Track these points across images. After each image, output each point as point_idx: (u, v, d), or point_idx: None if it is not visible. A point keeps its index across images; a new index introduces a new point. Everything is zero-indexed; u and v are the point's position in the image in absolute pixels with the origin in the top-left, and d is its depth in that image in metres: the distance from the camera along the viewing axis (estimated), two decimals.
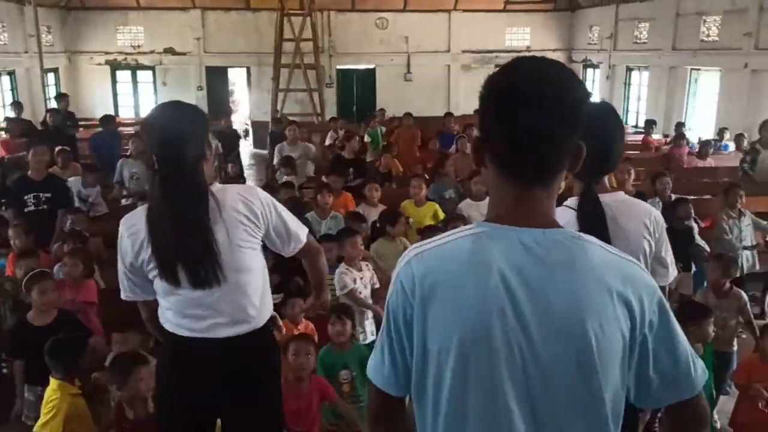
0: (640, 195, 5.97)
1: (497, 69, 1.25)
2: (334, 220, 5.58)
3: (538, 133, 1.18)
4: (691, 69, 13.64)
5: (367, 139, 10.22)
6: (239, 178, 8.73)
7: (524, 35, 18.69)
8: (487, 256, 1.19)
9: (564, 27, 18.74)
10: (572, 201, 2.33)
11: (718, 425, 4.25)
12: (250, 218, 2.29)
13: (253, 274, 2.33)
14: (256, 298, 2.33)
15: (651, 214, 2.37)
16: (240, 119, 19.01)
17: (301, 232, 2.49)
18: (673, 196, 6.55)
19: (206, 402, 2.32)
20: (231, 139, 10.34)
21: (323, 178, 7.03)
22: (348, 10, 17.56)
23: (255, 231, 2.31)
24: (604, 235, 2.17)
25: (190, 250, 2.19)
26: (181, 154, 2.19)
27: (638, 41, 15.54)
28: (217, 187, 2.31)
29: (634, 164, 6.26)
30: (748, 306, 4.57)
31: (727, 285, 4.57)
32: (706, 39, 13.06)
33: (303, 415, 3.40)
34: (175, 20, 17.22)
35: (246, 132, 18.10)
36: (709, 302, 4.38)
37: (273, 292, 4.52)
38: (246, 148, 16.18)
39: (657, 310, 1.23)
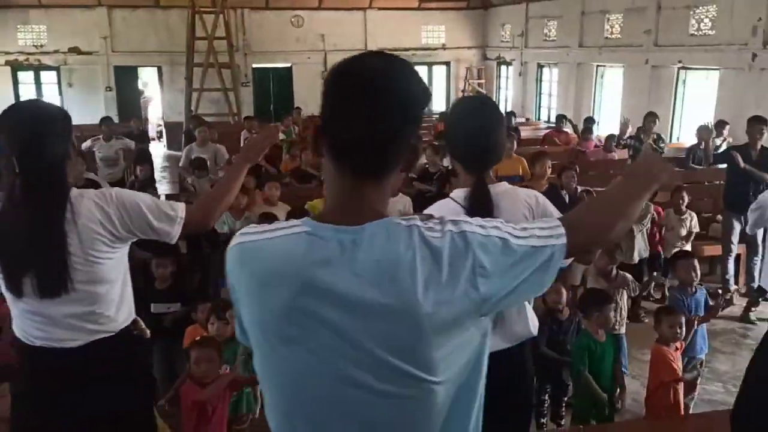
0: (553, 187, 6.19)
1: (344, 59, 1.24)
2: (247, 221, 5.49)
3: (371, 128, 1.16)
4: (597, 65, 14.19)
5: (281, 137, 10.12)
6: (150, 182, 8.44)
7: (439, 33, 18.96)
8: (299, 258, 1.16)
9: (478, 25, 19.12)
10: (457, 193, 2.38)
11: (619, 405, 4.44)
12: (106, 227, 2.15)
13: (109, 285, 2.21)
14: (111, 306, 2.21)
15: (533, 196, 2.42)
16: (153, 120, 18.45)
17: (171, 216, 2.27)
18: (579, 188, 6.81)
19: (65, 414, 2.20)
20: (140, 140, 10.01)
21: None
22: (262, 8, 17.33)
23: (113, 240, 2.17)
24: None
25: (40, 260, 2.06)
26: (44, 155, 2.06)
27: (548, 39, 16.04)
28: (74, 192, 2.15)
29: (549, 157, 6.45)
30: (632, 287, 4.81)
31: (614, 270, 4.77)
32: (609, 36, 13.61)
33: (210, 419, 3.33)
34: (80, 18, 16.53)
35: (159, 133, 17.60)
36: (599, 286, 4.58)
37: (192, 293, 4.42)
38: (159, 150, 15.73)
39: (483, 256, 1.19)
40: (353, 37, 18.08)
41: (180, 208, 2.32)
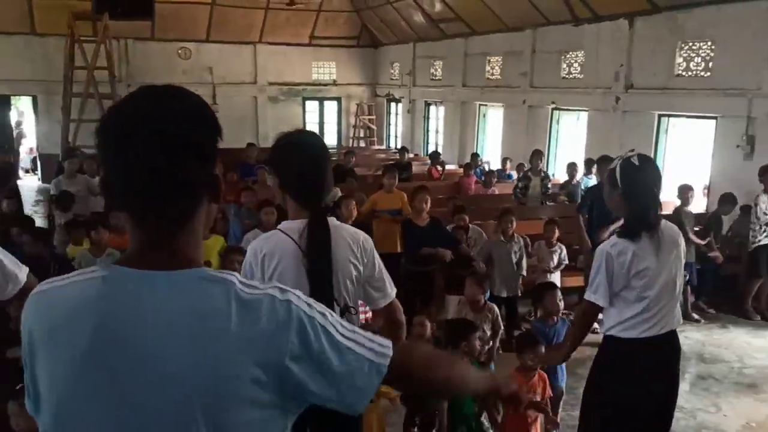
0: (435, 220, 6.35)
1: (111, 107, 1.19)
2: (111, 257, 5.26)
3: (148, 171, 1.10)
4: (480, 104, 14.82)
5: None
6: (17, 215, 7.92)
7: (330, 69, 19.19)
8: (87, 307, 1.08)
9: (368, 62, 19.52)
10: (286, 225, 2.42)
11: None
12: None
13: None
14: None
15: (358, 239, 2.49)
16: (26, 150, 17.45)
17: (19, 272, 2.28)
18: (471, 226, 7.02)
19: None
20: (3, 173, 9.42)
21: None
22: (147, 38, 16.90)
23: None
24: (328, 259, 2.28)
25: None
26: None
27: (434, 78, 16.60)
28: None
29: (429, 192, 6.61)
30: (500, 319, 4.97)
31: (482, 300, 4.93)
32: (490, 77, 14.27)
33: None
34: None
35: (34, 165, 16.64)
36: (466, 316, 4.71)
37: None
38: (33, 183, 14.86)
39: (297, 340, 1.13)
40: (242, 71, 17.98)
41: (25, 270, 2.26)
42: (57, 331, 1.09)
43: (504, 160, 12.18)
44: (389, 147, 18.51)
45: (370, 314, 5.14)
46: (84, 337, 1.06)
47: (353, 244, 2.44)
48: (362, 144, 18.96)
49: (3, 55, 15.76)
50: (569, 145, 12.20)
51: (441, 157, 13.84)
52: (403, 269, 6.11)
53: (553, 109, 12.29)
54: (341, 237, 2.42)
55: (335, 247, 2.37)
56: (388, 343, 1.24)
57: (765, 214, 7.23)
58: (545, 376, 4.15)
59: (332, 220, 2.48)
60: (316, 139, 2.62)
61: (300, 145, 2.51)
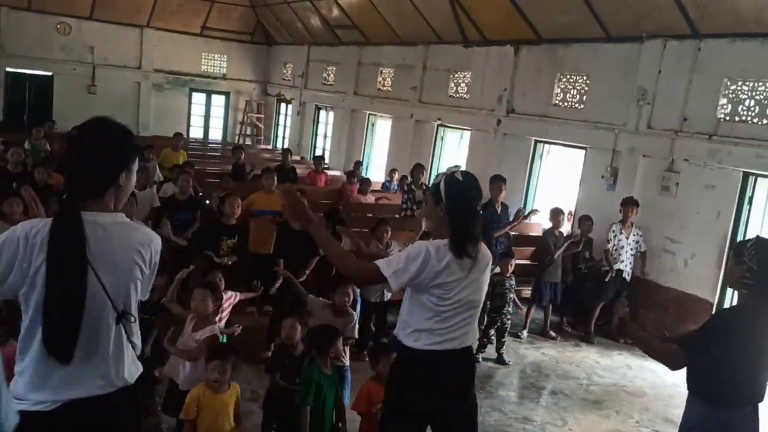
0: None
1: None
2: None
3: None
4: (369, 114, 14.95)
5: (27, 146, 9.19)
6: None
7: (221, 62, 18.73)
8: None
9: (260, 60, 19.22)
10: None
11: None
12: None
13: None
14: None
15: (148, 241, 2.36)
16: None
17: None
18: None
19: None
20: None
21: None
22: (24, 8, 15.77)
23: None
24: (77, 251, 2.16)
25: None
26: None
27: (326, 83, 16.59)
28: None
29: (308, 197, 6.57)
30: (355, 326, 5.01)
31: (347, 306, 4.99)
32: (381, 88, 14.45)
33: None
34: None
35: None
36: (325, 318, 4.75)
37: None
38: None
39: None
40: (127, 54, 17.18)
41: None
42: None
43: (391, 171, 12.31)
44: (275, 147, 18.28)
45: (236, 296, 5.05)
46: None
47: (140, 245, 2.31)
48: (248, 142, 18.61)
49: None
50: (451, 161, 12.54)
51: (325, 162, 13.90)
52: (273, 273, 6.02)
53: (438, 125, 12.61)
54: (126, 236, 2.30)
55: (119, 246, 2.25)
56: None
57: (618, 242, 7.79)
58: None
59: (118, 216, 2.31)
60: (88, 129, 2.32)
61: (71, 136, 2.35)
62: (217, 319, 4.53)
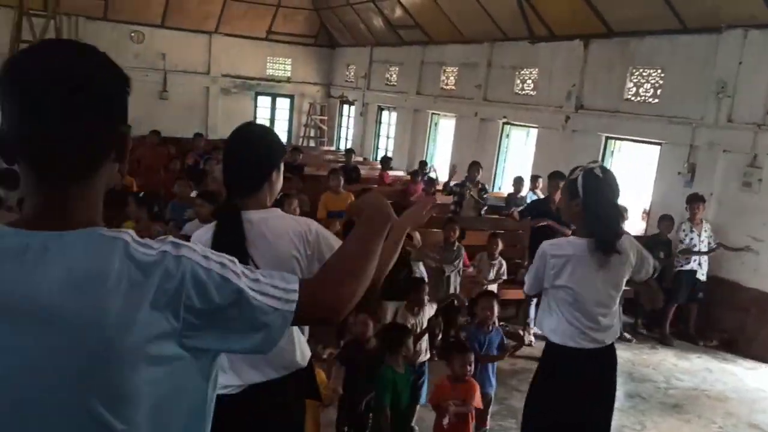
0: None
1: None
2: None
3: (41, 127, 1.06)
4: (432, 113, 14.90)
5: None
6: None
7: (285, 66, 19.00)
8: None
9: (324, 62, 19.41)
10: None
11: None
12: None
13: None
14: None
15: (301, 231, 2.41)
16: None
17: None
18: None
19: None
20: None
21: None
22: (99, 18, 16.40)
23: None
24: (239, 248, 2.24)
25: None
26: None
27: (389, 83, 16.62)
28: None
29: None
30: (435, 324, 4.97)
31: (422, 305, 4.96)
32: (445, 87, 14.37)
33: None
34: None
35: None
36: (400, 319, 4.78)
37: None
38: None
39: (194, 293, 1.12)
40: (196, 60, 17.62)
41: None
42: None
43: (453, 168, 12.17)
44: (338, 149, 18.44)
45: None
46: None
47: (295, 236, 2.36)
48: (312, 144, 18.83)
49: None
50: (517, 160, 12.37)
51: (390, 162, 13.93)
52: None
53: (504, 123, 12.45)
54: (281, 230, 2.35)
55: (276, 240, 2.31)
56: (294, 284, 1.21)
57: (690, 240, 7.52)
58: (476, 384, 4.17)
59: (273, 211, 2.42)
60: (250, 130, 2.53)
61: (232, 135, 2.47)
62: None
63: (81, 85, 1.07)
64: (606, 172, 3.21)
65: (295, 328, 2.41)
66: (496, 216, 9.45)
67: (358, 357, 4.24)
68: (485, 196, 9.29)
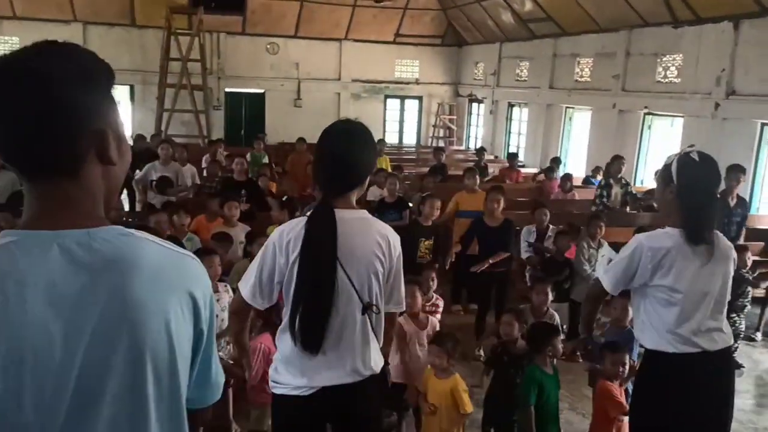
0: (508, 222, 6.20)
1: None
2: (190, 242, 5.35)
3: (26, 119, 1.05)
4: (566, 107, 14.43)
5: (248, 158, 10.05)
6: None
7: (413, 67, 19.16)
8: (15, 270, 1.03)
9: (451, 62, 19.38)
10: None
11: None
12: None
13: None
14: None
15: (387, 236, 2.42)
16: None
17: None
18: (551, 227, 6.83)
19: None
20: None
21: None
22: (238, 33, 17.35)
23: None
24: (330, 246, 2.25)
25: None
26: None
27: (519, 79, 16.30)
28: None
29: (504, 193, 6.49)
30: (560, 327, 4.79)
31: (546, 305, 4.81)
32: (579, 79, 13.87)
33: None
34: (55, 33, 16.16)
35: None
36: (527, 320, 4.57)
37: None
38: None
39: (210, 308, 1.23)
40: (327, 67, 18.18)
41: None
42: None
43: (595, 169, 11.68)
44: (468, 148, 18.32)
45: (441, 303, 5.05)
46: (13, 307, 1.02)
47: (381, 239, 2.38)
48: (441, 144, 18.84)
49: (105, 46, 16.48)
50: (661, 152, 11.70)
51: (521, 160, 13.64)
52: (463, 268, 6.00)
53: (645, 114, 11.82)
54: (368, 231, 2.37)
55: (361, 240, 2.33)
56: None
57: None
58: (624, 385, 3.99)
59: (361, 212, 2.43)
60: (347, 129, 2.45)
61: (327, 133, 2.44)
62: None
63: (36, 87, 1.05)
64: (705, 158, 2.86)
65: (371, 335, 2.42)
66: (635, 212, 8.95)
67: (506, 358, 4.18)
68: (630, 190, 8.83)
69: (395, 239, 2.46)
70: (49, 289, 1.03)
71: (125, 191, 9.48)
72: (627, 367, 3.93)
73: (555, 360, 4.05)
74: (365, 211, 2.49)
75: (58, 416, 1.03)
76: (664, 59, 11.39)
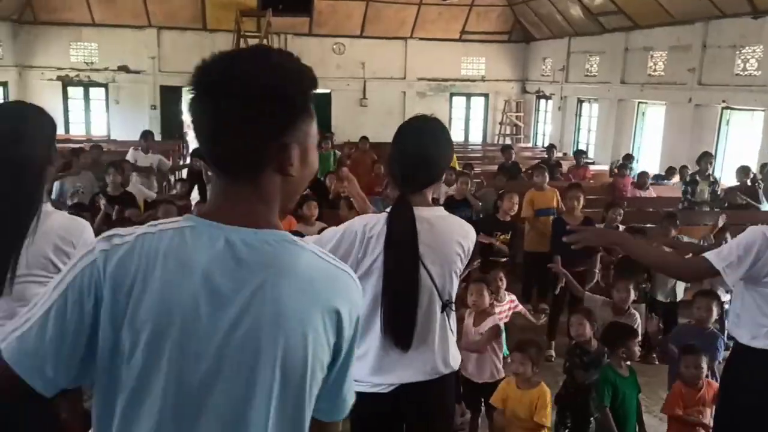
0: (588, 220, 6.09)
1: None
2: None
3: (218, 123, 1.13)
4: (639, 102, 14.02)
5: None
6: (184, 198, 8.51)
7: (479, 65, 18.99)
8: (186, 252, 1.11)
9: (518, 58, 19.11)
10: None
11: None
12: (59, 256, 2.06)
13: None
14: None
15: (466, 232, 2.39)
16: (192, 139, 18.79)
17: None
18: (620, 227, 6.65)
19: None
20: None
21: None
22: (305, 34, 17.61)
23: (56, 270, 2.02)
24: (411, 244, 2.23)
25: None
26: (22, 155, 1.98)
27: (589, 74, 15.93)
28: (48, 208, 2.08)
29: (583, 191, 6.39)
30: (639, 328, 4.61)
31: (628, 304, 4.65)
32: (652, 73, 13.45)
33: None
34: (130, 38, 17.01)
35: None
36: (605, 318, 4.45)
37: None
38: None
39: (355, 326, 1.22)
40: (392, 66, 18.23)
41: None
42: (154, 269, 1.11)
43: (669, 170, 11.27)
44: (535, 145, 18.03)
45: (519, 307, 5.00)
46: (176, 285, 1.10)
47: (460, 236, 2.36)
48: (508, 141, 18.61)
49: (177, 50, 17.09)
50: (739, 147, 11.22)
51: (590, 157, 13.32)
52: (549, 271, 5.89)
53: (723, 108, 11.36)
54: (447, 228, 2.35)
55: (442, 238, 2.31)
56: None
57: None
58: (714, 384, 3.84)
59: (439, 209, 2.42)
60: (424, 124, 2.44)
61: (403, 128, 2.43)
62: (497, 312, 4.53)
63: (231, 98, 1.12)
64: None
65: (449, 331, 2.40)
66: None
67: (585, 358, 4.11)
68: (717, 189, 8.50)
69: (473, 237, 2.45)
70: (206, 276, 1.11)
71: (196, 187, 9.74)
72: (703, 368, 3.80)
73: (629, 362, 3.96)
74: (442, 209, 2.49)
75: (191, 389, 1.10)
76: (744, 51, 10.91)
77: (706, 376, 3.85)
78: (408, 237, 2.27)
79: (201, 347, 1.10)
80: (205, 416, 1.11)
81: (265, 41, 15.27)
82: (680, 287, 5.96)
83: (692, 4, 11.52)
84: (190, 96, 1.16)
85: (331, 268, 1.19)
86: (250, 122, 1.12)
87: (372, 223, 2.35)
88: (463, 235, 2.40)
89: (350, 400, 1.35)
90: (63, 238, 2.08)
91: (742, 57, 10.95)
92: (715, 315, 4.38)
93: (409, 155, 2.37)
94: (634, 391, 3.93)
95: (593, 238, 3.10)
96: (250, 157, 1.14)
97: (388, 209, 2.40)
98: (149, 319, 1.09)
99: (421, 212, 2.32)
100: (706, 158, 8.47)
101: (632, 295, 4.72)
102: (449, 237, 2.36)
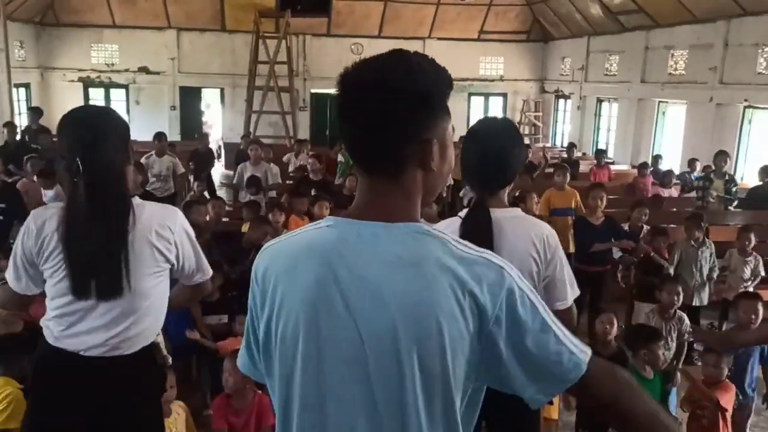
0: (610, 220, 6.05)
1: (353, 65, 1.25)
2: None
3: (364, 124, 1.19)
4: (659, 101, 13.90)
5: (340, 159, 10.21)
6: (203, 199, 8.60)
7: (498, 64, 18.93)
8: (321, 247, 1.19)
9: (537, 57, 19.03)
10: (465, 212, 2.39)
11: None
12: (162, 242, 2.17)
13: (149, 301, 2.19)
14: (140, 324, 2.19)
15: (543, 234, 2.36)
16: (213, 140, 18.91)
17: (207, 265, 2.41)
18: (645, 227, 6.59)
19: (77, 425, 2.17)
20: (205, 159, 10.20)
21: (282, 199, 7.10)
22: (323, 34, 17.67)
23: (162, 257, 2.19)
24: (487, 246, 2.20)
25: (105, 262, 2.07)
26: (107, 158, 2.07)
27: (608, 73, 15.82)
28: (137, 201, 2.18)
29: (606, 191, 6.35)
30: (686, 328, 4.56)
31: (674, 308, 4.57)
32: (673, 72, 13.33)
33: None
34: (151, 39, 17.18)
35: (218, 153, 17.99)
36: (653, 323, 4.40)
37: (214, 312, 4.50)
38: (218, 169, 16.05)
39: (505, 308, 1.15)
40: None
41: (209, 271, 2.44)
42: (296, 265, 1.20)
43: (691, 161, 11.14)
44: (555, 145, 17.93)
45: None
46: (312, 276, 1.18)
47: (536, 238, 2.32)
48: (526, 141, 18.51)
49: (196, 51, 17.25)
50: (762, 146, 11.08)
51: (610, 156, 13.20)
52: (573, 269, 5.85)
53: (745, 107, 11.22)
54: (522, 230, 2.33)
55: (513, 240, 2.29)
56: (588, 349, 1.21)
57: None
58: (732, 386, 3.80)
59: (513, 210, 2.40)
60: (497, 126, 2.45)
61: (476, 130, 2.44)
62: None
63: (378, 99, 1.18)
64: None
65: None
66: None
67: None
68: (734, 189, 8.41)
69: (552, 237, 2.41)
70: (349, 266, 1.17)
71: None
72: (723, 368, 3.77)
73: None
74: (518, 209, 2.47)
75: (322, 382, 1.17)
76: (766, 49, 10.78)
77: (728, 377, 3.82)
78: (483, 239, 2.23)
79: (333, 343, 1.17)
80: (349, 402, 1.16)
81: (284, 42, 15.34)
82: (705, 292, 5.91)
83: (714, 2, 11.40)
84: (337, 102, 1.23)
85: (467, 257, 1.17)
86: (395, 122, 1.18)
87: (442, 228, 2.38)
88: (540, 237, 2.36)
89: (581, 358, 1.19)
90: (161, 224, 2.18)
91: (765, 55, 10.82)
92: (761, 317, 4.29)
93: (484, 158, 2.37)
94: (656, 395, 3.89)
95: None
96: (395, 155, 1.19)
97: (461, 213, 2.42)
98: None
99: (497, 214, 2.33)
100: (721, 156, 8.39)
101: (681, 298, 4.65)
102: (524, 238, 2.33)
